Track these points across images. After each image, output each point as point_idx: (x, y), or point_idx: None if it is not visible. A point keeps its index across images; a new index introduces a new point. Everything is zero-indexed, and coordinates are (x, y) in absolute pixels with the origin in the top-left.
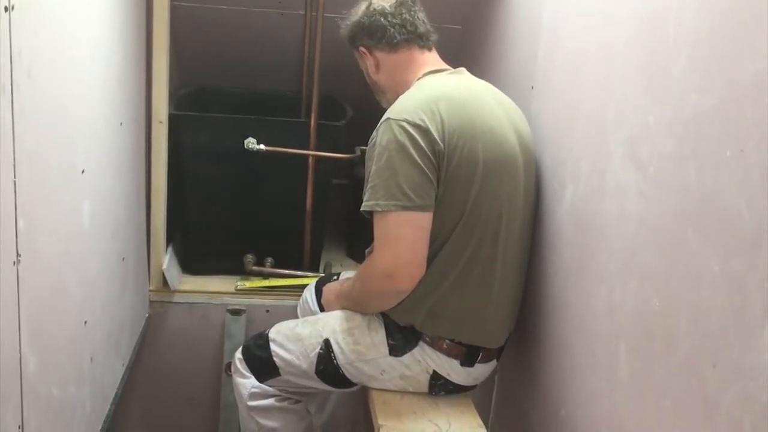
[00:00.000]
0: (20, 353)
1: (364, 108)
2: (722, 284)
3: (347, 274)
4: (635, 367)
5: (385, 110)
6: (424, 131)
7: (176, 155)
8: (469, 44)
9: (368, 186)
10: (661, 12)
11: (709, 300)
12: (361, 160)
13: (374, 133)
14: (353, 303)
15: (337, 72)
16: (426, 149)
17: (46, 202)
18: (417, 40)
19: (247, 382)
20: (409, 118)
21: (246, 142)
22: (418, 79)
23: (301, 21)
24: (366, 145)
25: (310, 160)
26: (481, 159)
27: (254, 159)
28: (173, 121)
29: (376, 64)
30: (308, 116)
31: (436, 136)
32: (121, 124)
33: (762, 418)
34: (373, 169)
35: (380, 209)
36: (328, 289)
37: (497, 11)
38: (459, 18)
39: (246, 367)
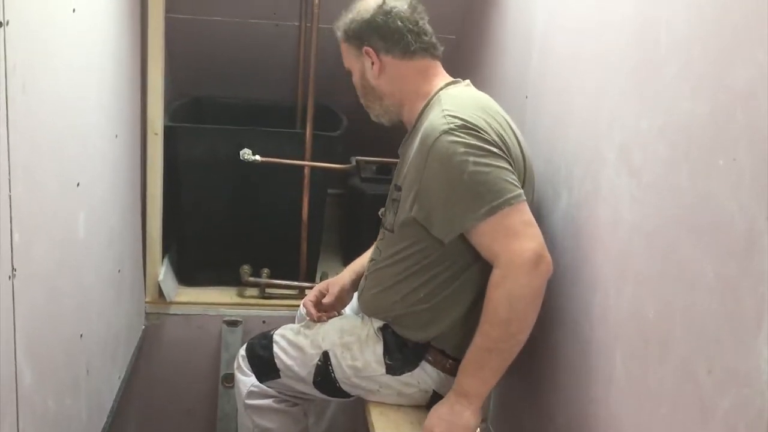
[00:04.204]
0: (16, 366)
1: (359, 118)
2: (716, 289)
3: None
4: (631, 372)
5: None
6: (491, 138)
7: (172, 166)
8: (463, 54)
9: (463, 200)
10: (653, 19)
11: (704, 305)
12: (355, 170)
13: (421, 153)
14: (508, 354)
15: (332, 82)
16: (500, 150)
17: (41, 215)
18: (432, 49)
19: (247, 380)
20: (476, 123)
21: (241, 153)
22: (441, 89)
23: (295, 32)
24: (362, 156)
25: (306, 170)
26: (523, 176)
27: (250, 170)
28: (168, 133)
29: (379, 69)
30: (303, 127)
31: (501, 144)
32: (116, 136)
33: (757, 424)
34: (460, 181)
35: (494, 213)
36: (456, 421)
37: (491, 21)
38: (453, 28)
39: (248, 365)
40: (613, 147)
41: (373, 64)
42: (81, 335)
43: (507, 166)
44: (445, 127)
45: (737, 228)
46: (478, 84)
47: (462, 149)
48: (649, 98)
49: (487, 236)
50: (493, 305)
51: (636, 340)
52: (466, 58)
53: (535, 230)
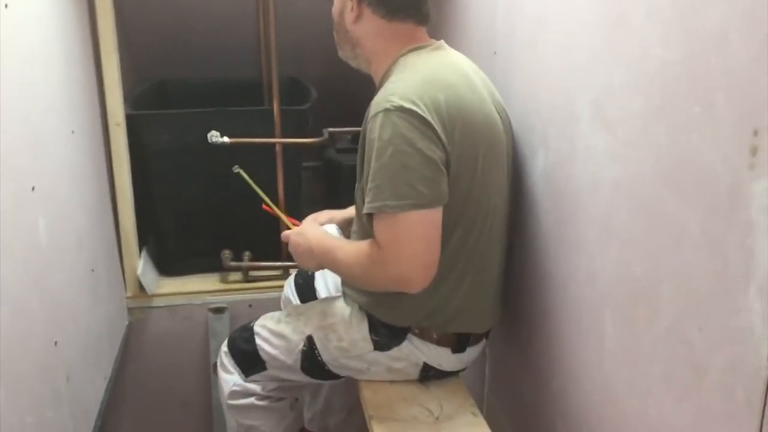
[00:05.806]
0: None
1: (328, 88)
2: (703, 245)
3: (331, 230)
4: (622, 334)
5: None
6: (428, 123)
7: (139, 156)
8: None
9: (371, 185)
10: None
11: (691, 262)
12: (329, 143)
13: (368, 124)
14: (336, 272)
15: (298, 52)
16: (434, 140)
17: None
18: (418, 17)
19: (229, 379)
20: (414, 108)
21: (209, 135)
22: (402, 55)
23: (253, 3)
24: (334, 127)
25: (278, 147)
26: (480, 151)
27: (220, 152)
28: (131, 122)
29: (356, 17)
30: (271, 102)
31: (439, 128)
32: (72, 131)
33: (752, 381)
34: (374, 166)
35: (391, 210)
36: (305, 235)
37: None
38: None
39: (232, 361)
40: (585, 103)
41: (352, 9)
42: (55, 343)
43: (427, 168)
44: (387, 104)
45: (720, 180)
46: (446, 41)
47: (391, 133)
48: (619, 48)
49: (376, 228)
50: (362, 265)
51: (625, 300)
52: (432, 14)
53: (416, 248)
